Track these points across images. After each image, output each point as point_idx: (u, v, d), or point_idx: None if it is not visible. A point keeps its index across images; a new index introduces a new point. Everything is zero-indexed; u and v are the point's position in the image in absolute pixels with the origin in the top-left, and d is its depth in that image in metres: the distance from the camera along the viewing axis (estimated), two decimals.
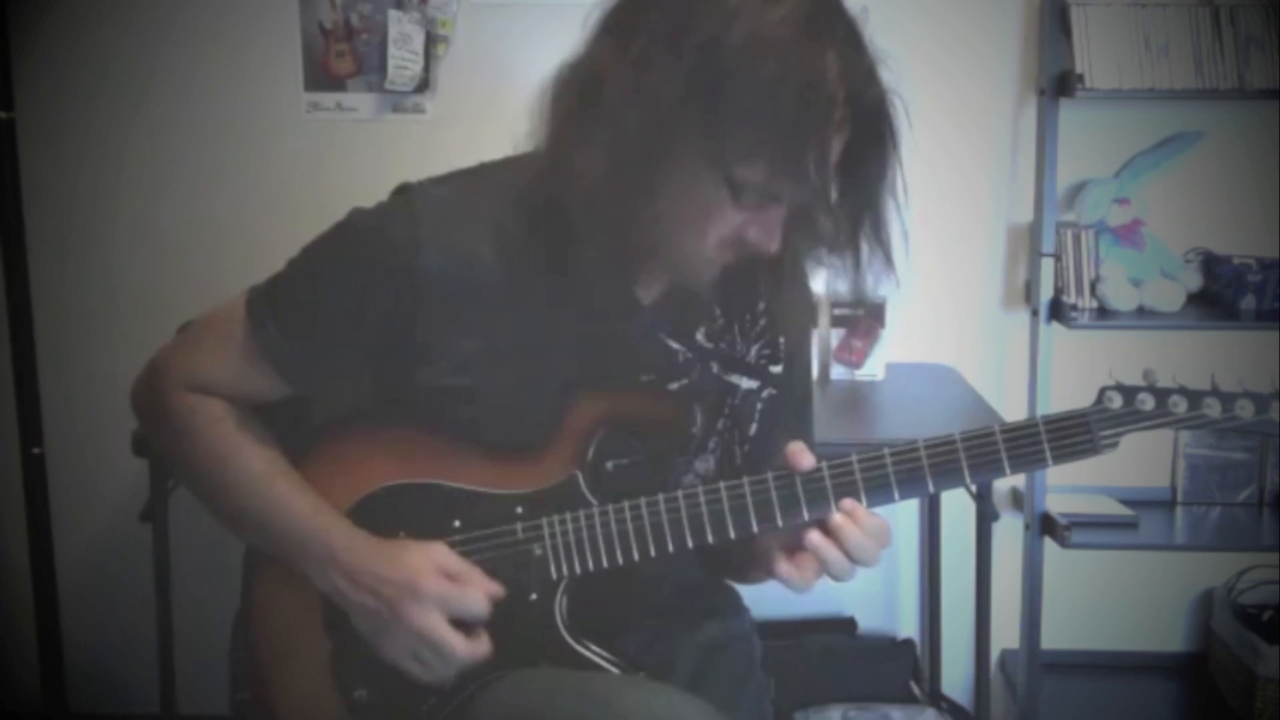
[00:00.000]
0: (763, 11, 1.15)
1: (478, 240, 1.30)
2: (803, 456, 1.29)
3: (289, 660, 1.41)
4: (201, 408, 1.38)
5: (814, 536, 1.26)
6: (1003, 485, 2.59)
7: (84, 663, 2.56)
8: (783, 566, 1.28)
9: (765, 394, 1.44)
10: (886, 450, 1.28)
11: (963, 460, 1.26)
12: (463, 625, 1.30)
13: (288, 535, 1.34)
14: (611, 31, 1.22)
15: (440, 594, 1.29)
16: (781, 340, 1.44)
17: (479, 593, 1.30)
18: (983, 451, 1.26)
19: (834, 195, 1.25)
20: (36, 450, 2.22)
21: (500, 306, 1.30)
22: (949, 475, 1.27)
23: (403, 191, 1.34)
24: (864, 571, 2.61)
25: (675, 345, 1.38)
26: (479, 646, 1.30)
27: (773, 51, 1.13)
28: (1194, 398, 1.24)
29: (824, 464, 1.28)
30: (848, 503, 1.27)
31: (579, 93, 1.22)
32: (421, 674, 1.32)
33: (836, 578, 1.27)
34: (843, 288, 1.34)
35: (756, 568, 1.36)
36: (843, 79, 1.16)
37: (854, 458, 1.28)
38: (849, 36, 1.19)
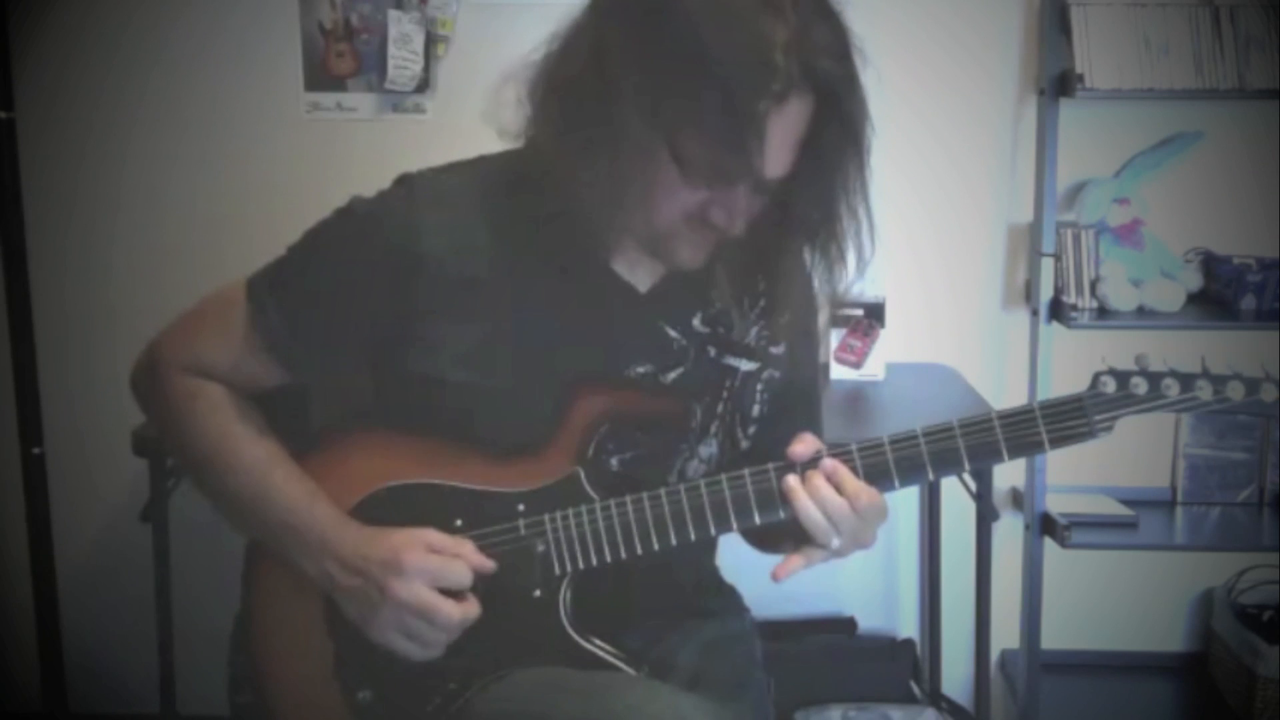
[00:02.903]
0: None
1: (476, 229, 1.31)
2: (801, 447, 1.29)
3: (291, 662, 1.41)
4: (201, 393, 1.38)
5: (790, 480, 1.27)
6: (1003, 485, 2.59)
7: (84, 663, 2.56)
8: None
9: (765, 375, 1.44)
10: (886, 438, 1.28)
11: (961, 446, 1.27)
12: (451, 595, 1.30)
13: (282, 524, 1.34)
14: (588, 6, 1.24)
15: (423, 565, 1.29)
16: (783, 319, 1.44)
17: (462, 563, 1.31)
18: (981, 438, 1.27)
19: (800, 179, 1.24)
20: (36, 450, 2.22)
21: (497, 295, 1.31)
22: (948, 462, 1.28)
23: (402, 180, 1.35)
24: (864, 571, 2.61)
25: (672, 333, 1.38)
26: (468, 608, 1.31)
27: (715, 21, 1.13)
28: (1186, 380, 1.26)
29: (824, 452, 1.29)
30: (828, 463, 1.27)
31: (546, 66, 1.24)
32: (414, 650, 1.31)
33: (818, 538, 1.27)
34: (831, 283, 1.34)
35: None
36: (793, 49, 1.14)
37: (854, 446, 1.29)
38: (812, 6, 1.17)
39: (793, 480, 1.28)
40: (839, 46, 1.18)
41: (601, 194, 1.21)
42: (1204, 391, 1.26)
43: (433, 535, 1.32)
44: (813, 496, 1.27)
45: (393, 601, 1.29)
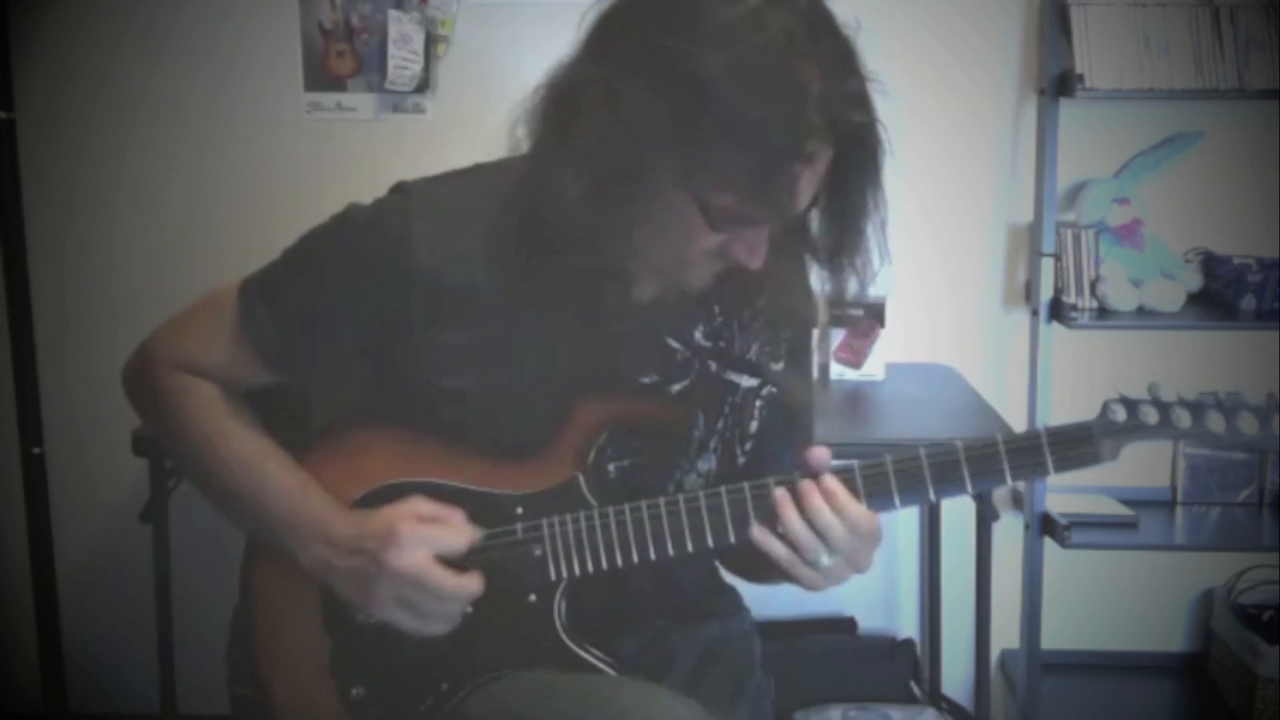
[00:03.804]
0: (742, 36, 1.12)
1: (472, 239, 1.30)
2: (816, 458, 1.28)
3: (287, 658, 1.41)
4: (192, 389, 1.38)
5: (779, 492, 1.25)
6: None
7: (84, 663, 2.56)
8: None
9: (765, 391, 1.44)
10: (888, 458, 1.27)
11: (965, 469, 1.26)
12: (451, 566, 1.30)
13: (276, 514, 1.34)
14: (594, 46, 1.20)
15: (419, 534, 1.29)
16: (783, 336, 1.44)
17: (457, 529, 1.31)
18: (985, 461, 1.26)
19: (819, 209, 1.24)
20: (36, 450, 2.23)
21: (495, 306, 1.30)
22: (951, 483, 1.26)
23: (399, 189, 1.34)
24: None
25: (675, 345, 1.38)
26: (469, 582, 1.30)
27: (747, 81, 1.11)
28: (1197, 411, 1.23)
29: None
30: (829, 482, 1.25)
31: (558, 107, 1.21)
32: (416, 623, 1.31)
33: (805, 552, 1.25)
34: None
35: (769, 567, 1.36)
36: (824, 105, 1.13)
37: (855, 464, 1.28)
38: (837, 58, 1.16)
39: (780, 493, 1.26)
40: (863, 94, 1.17)
41: (621, 243, 1.21)
42: (1215, 424, 1.23)
43: (422, 504, 1.32)
44: (803, 511, 1.25)
45: (389, 572, 1.28)
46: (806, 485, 1.26)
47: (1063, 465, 1.25)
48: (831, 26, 1.17)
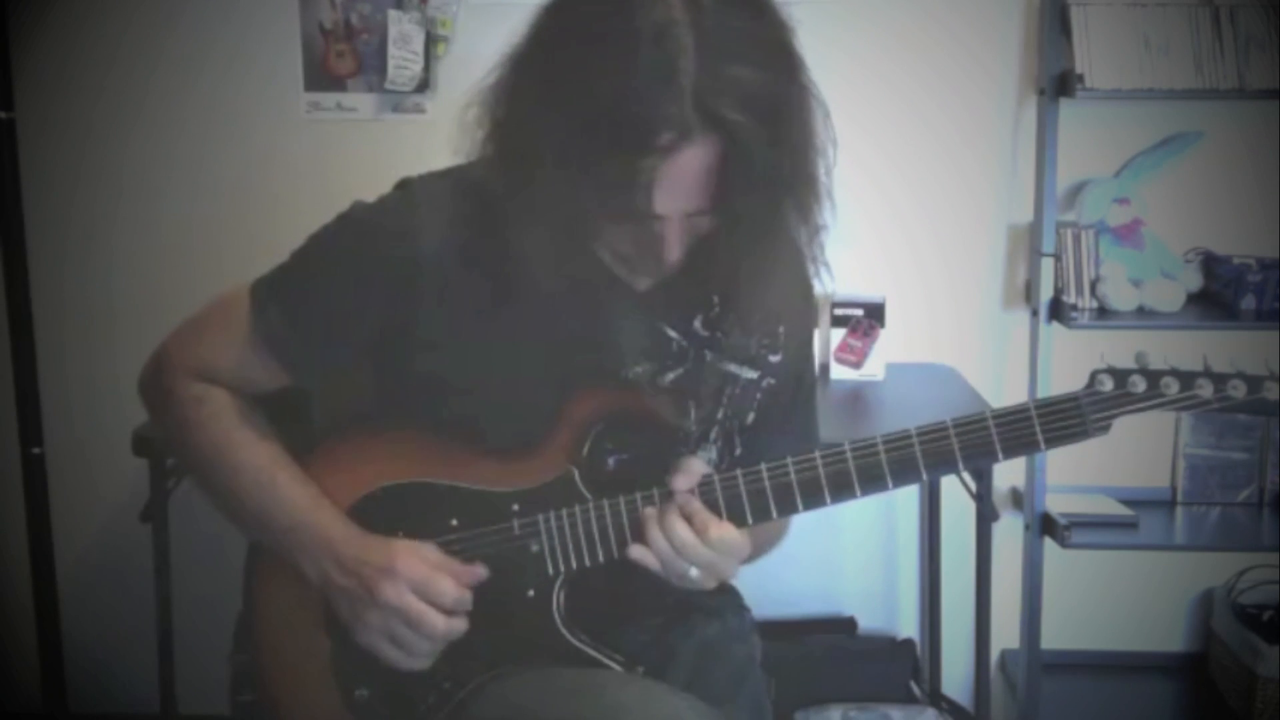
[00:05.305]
0: (614, 21, 1.11)
1: (473, 231, 1.30)
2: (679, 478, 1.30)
3: (290, 659, 1.41)
4: (206, 398, 1.38)
5: (648, 510, 1.29)
6: (1002, 485, 2.59)
7: (84, 663, 2.56)
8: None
9: (765, 383, 1.44)
10: (879, 438, 1.28)
11: (955, 446, 1.26)
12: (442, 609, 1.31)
13: (285, 527, 1.35)
14: (531, 29, 1.22)
15: (414, 574, 1.30)
16: (781, 329, 1.43)
17: (449, 580, 1.31)
18: (975, 437, 1.26)
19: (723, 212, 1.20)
20: (36, 450, 2.22)
21: (496, 296, 1.31)
22: (942, 462, 1.27)
23: (403, 185, 1.36)
24: (864, 571, 2.61)
25: (672, 333, 1.38)
26: (454, 623, 1.31)
27: (606, 70, 1.10)
28: (1186, 379, 1.24)
29: (818, 454, 1.29)
30: (681, 498, 1.28)
31: (495, 94, 1.23)
32: (399, 657, 1.32)
33: (670, 567, 1.28)
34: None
35: None
36: (692, 96, 1.10)
37: (847, 446, 1.28)
38: (728, 48, 1.12)
39: (650, 510, 1.29)
40: (747, 87, 1.12)
41: (548, 227, 1.21)
42: (1204, 390, 1.24)
43: (430, 551, 1.33)
44: (665, 531, 1.27)
45: (381, 605, 1.29)
46: (668, 506, 1.28)
47: (1052, 439, 1.26)
48: (740, 14, 1.14)
